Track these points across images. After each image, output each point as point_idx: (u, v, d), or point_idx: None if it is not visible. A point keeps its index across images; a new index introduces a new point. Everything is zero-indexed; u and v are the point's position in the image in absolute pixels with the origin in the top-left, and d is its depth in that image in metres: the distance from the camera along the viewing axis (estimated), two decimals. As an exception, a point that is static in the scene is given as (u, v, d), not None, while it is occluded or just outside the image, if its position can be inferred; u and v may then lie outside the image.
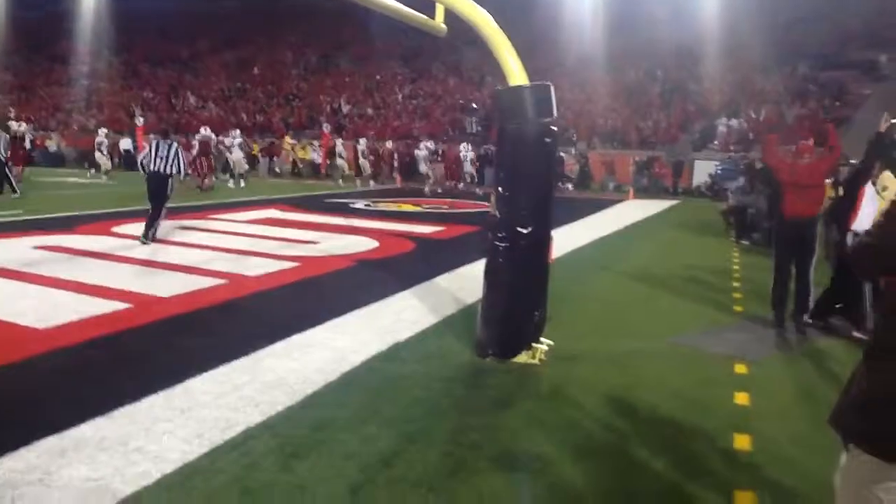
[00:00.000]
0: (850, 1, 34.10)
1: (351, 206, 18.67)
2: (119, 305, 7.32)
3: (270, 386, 5.17)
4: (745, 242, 13.44)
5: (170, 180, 11.42)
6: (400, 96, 39.55)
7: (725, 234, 14.87)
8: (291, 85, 43.13)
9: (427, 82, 40.87)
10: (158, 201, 11.33)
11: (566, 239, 11.89)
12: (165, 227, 11.94)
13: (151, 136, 20.33)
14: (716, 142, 29.00)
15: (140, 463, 3.88)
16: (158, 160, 11.26)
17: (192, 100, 43.06)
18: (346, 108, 39.17)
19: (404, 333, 6.65)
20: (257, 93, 42.72)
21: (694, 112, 31.90)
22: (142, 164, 11.56)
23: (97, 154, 26.06)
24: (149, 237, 11.13)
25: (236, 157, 24.37)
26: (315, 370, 5.55)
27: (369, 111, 38.44)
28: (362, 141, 27.70)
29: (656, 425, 4.72)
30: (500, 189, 5.92)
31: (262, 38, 48.17)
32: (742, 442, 4.46)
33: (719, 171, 24.98)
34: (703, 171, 27.30)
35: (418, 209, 18.47)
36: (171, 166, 11.34)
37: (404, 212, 17.87)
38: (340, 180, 26.98)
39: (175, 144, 11.67)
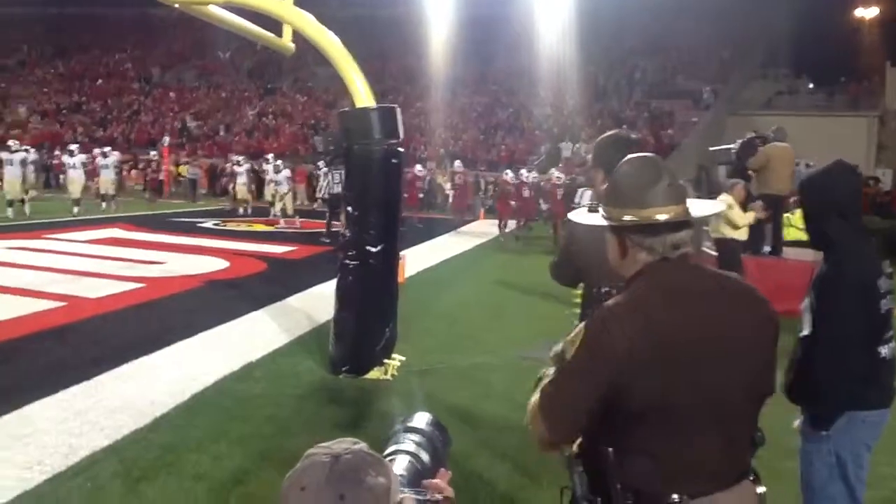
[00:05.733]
0: (677, 35, 36.93)
1: (199, 225, 18.14)
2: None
3: (116, 410, 5.04)
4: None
5: None
6: (249, 114, 38.80)
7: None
8: (132, 99, 41.32)
9: (276, 99, 40.37)
10: None
11: (416, 259, 12.15)
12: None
13: None
14: (560, 164, 30.27)
15: (-28, 494, 3.72)
16: None
17: (22, 112, 40.27)
18: (192, 125, 37.98)
19: (256, 353, 6.63)
20: (95, 106, 40.57)
21: (539, 136, 33.31)
22: None
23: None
24: None
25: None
26: (163, 392, 5.46)
27: (221, 129, 37.39)
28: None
29: (502, 434, 4.96)
30: (349, 208, 6.07)
31: (99, 49, 45.95)
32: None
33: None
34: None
35: (270, 229, 18.20)
36: None
37: (256, 231, 17.58)
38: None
39: None
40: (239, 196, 21.83)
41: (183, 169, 30.35)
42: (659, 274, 1.69)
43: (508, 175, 19.84)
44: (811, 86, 38.49)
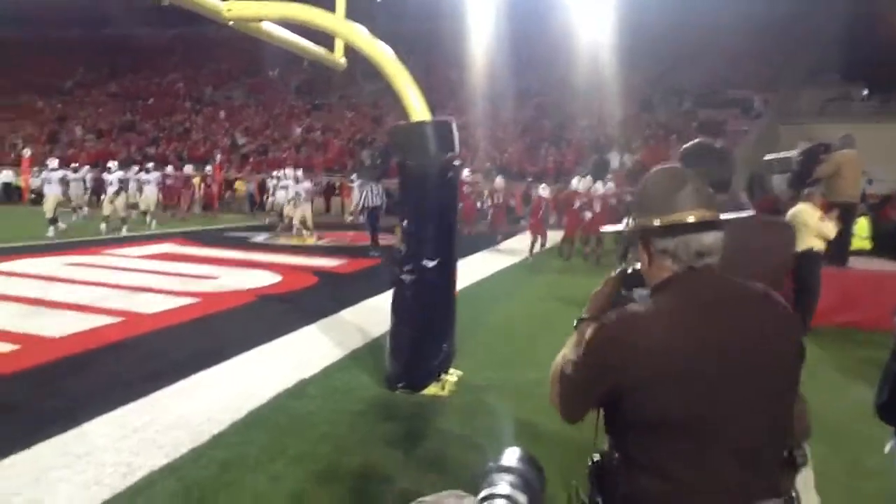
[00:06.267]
0: (724, 42, 36.34)
1: (250, 239, 18.35)
2: (4, 347, 6.94)
3: (173, 427, 5.02)
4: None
5: None
6: (297, 130, 39.26)
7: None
8: (183, 117, 42.16)
9: (324, 115, 40.80)
10: None
11: (469, 270, 12.05)
12: (54, 263, 11.43)
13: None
14: (609, 175, 29.94)
15: (35, 514, 3.70)
16: None
17: (78, 132, 41.41)
18: (241, 141, 38.57)
19: (310, 369, 6.58)
20: (146, 125, 41.50)
21: (586, 147, 33.01)
22: None
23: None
24: None
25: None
26: (220, 409, 5.43)
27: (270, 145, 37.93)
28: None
29: (567, 451, 4.81)
30: (404, 223, 5.99)
31: (149, 69, 47.05)
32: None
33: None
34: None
35: (321, 243, 18.30)
36: None
37: (306, 245, 17.68)
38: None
39: None
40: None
41: (240, 184, 30.78)
42: (682, 284, 1.70)
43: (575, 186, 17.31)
44: (865, 92, 37.48)
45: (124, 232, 18.75)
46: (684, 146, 2.62)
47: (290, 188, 19.76)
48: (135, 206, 21.18)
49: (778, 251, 2.53)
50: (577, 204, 16.33)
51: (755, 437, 1.66)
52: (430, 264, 5.86)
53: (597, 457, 1.84)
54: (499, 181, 20.06)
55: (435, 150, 5.84)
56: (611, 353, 1.66)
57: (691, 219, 1.70)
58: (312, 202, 20.97)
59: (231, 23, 6.26)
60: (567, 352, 1.85)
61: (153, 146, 38.48)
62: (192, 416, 5.26)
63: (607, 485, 1.77)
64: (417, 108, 5.96)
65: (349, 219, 24.20)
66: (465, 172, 19.41)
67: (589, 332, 1.74)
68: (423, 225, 5.91)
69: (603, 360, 1.68)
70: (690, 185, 1.74)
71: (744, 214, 2.07)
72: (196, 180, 28.05)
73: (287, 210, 19.88)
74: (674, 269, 1.73)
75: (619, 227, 1.88)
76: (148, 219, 21.01)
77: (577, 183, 17.28)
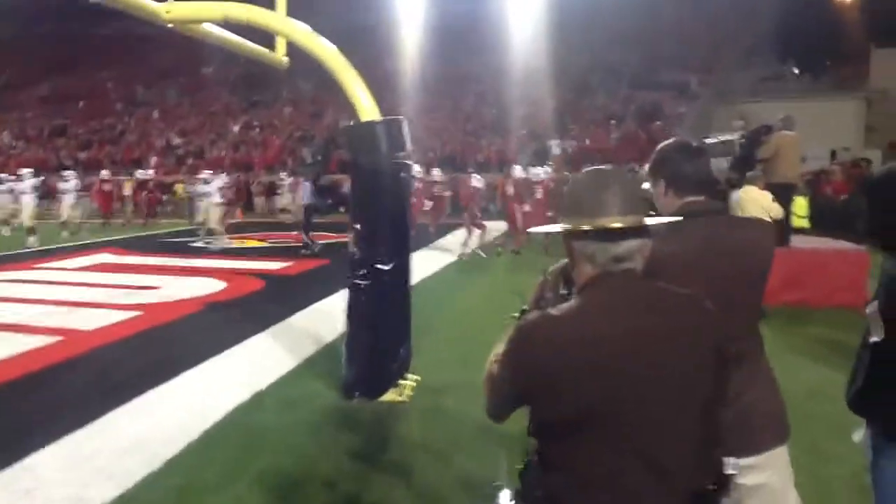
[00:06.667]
0: (660, 24, 36.88)
1: (190, 244, 17.86)
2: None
3: (125, 452, 4.80)
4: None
5: None
6: (235, 128, 38.48)
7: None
8: (116, 119, 40.96)
9: (262, 112, 40.09)
10: None
11: (421, 265, 11.91)
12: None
13: None
14: (549, 163, 29.98)
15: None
16: None
17: (5, 138, 39.91)
18: (177, 141, 37.64)
19: (265, 380, 6.39)
20: (79, 129, 40.19)
21: (526, 135, 33.08)
22: None
23: None
24: None
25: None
26: (173, 429, 5.21)
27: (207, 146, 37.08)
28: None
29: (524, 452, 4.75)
30: (357, 226, 5.83)
31: (82, 69, 45.61)
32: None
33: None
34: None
35: (264, 244, 17.93)
36: None
37: (249, 248, 17.30)
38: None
39: None
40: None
41: (180, 187, 29.93)
42: (600, 287, 1.71)
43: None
44: (796, 71, 38.48)
45: (30, 242, 17.41)
46: (661, 145, 2.53)
47: (201, 189, 19.28)
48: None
49: (752, 252, 2.41)
50: (511, 191, 15.80)
51: (668, 445, 1.66)
52: (386, 267, 5.72)
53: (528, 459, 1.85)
54: (435, 173, 19.71)
55: (386, 149, 5.69)
56: (526, 352, 1.68)
57: (616, 225, 1.69)
58: (230, 202, 20.46)
59: (171, 25, 6.00)
60: (499, 348, 1.83)
61: (85, 151, 37.29)
62: (144, 439, 5.03)
63: (527, 485, 1.80)
64: (367, 107, 5.80)
65: (284, 217, 23.53)
66: (473, 178, 17.46)
67: (509, 330, 1.77)
68: (376, 227, 5.76)
69: (518, 357, 1.70)
70: (615, 189, 1.72)
71: (666, 220, 1.99)
72: (128, 184, 27.21)
73: (202, 213, 19.07)
74: (594, 272, 1.74)
75: (548, 228, 1.87)
76: (65, 232, 19.48)
77: (517, 172, 16.68)
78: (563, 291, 1.94)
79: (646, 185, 2.65)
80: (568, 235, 1.78)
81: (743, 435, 2.30)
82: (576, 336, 1.64)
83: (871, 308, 2.68)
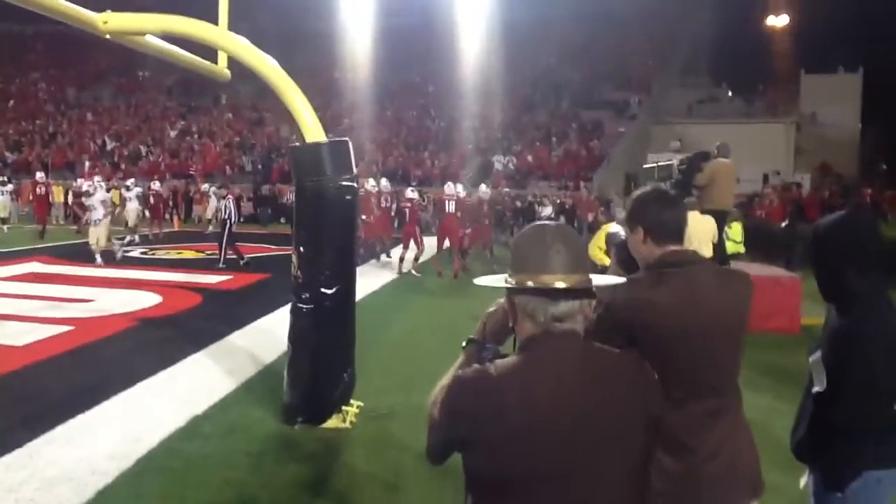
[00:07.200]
0: (600, 44, 37.61)
1: (126, 254, 17.33)
2: None
3: (54, 482, 4.59)
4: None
5: None
6: (172, 133, 37.69)
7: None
8: (47, 120, 39.68)
9: (200, 117, 39.38)
10: None
11: (362, 282, 11.79)
12: None
13: None
14: (487, 180, 29.72)
15: None
16: None
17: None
18: (111, 145, 36.65)
19: (202, 404, 6.21)
20: (9, 129, 38.79)
21: (470, 150, 33.23)
22: None
23: None
24: None
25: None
26: (105, 457, 5.00)
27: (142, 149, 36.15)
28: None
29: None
30: (301, 249, 5.73)
31: (10, 68, 44.09)
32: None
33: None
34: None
35: (201, 255, 17.48)
36: None
37: (186, 259, 16.90)
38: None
39: None
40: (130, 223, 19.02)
41: (115, 194, 28.93)
42: (539, 346, 1.69)
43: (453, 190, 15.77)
44: (730, 93, 39.69)
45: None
46: (637, 192, 2.52)
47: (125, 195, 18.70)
48: None
49: (734, 307, 2.37)
50: (450, 208, 15.05)
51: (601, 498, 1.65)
52: (329, 291, 5.63)
53: None
54: (384, 183, 18.97)
55: (332, 171, 5.61)
56: (462, 405, 1.67)
57: (560, 284, 1.67)
58: (114, 215, 17.67)
59: (108, 36, 5.81)
60: (445, 380, 1.83)
61: (14, 152, 36.01)
62: (74, 467, 4.82)
63: None
64: (311, 127, 5.71)
65: (209, 229, 22.79)
66: (408, 191, 16.70)
67: (450, 378, 1.78)
68: (320, 250, 5.67)
69: (454, 408, 1.69)
70: (558, 247, 1.71)
71: (615, 281, 1.97)
72: (57, 189, 26.25)
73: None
74: (534, 329, 1.72)
75: (492, 282, 1.83)
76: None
77: (449, 189, 15.73)
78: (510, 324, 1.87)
79: (616, 230, 2.65)
80: (510, 290, 1.76)
81: (721, 491, 2.30)
82: (512, 397, 1.62)
83: (815, 357, 2.74)
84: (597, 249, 7.59)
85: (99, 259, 14.93)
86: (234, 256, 14.85)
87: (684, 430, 2.25)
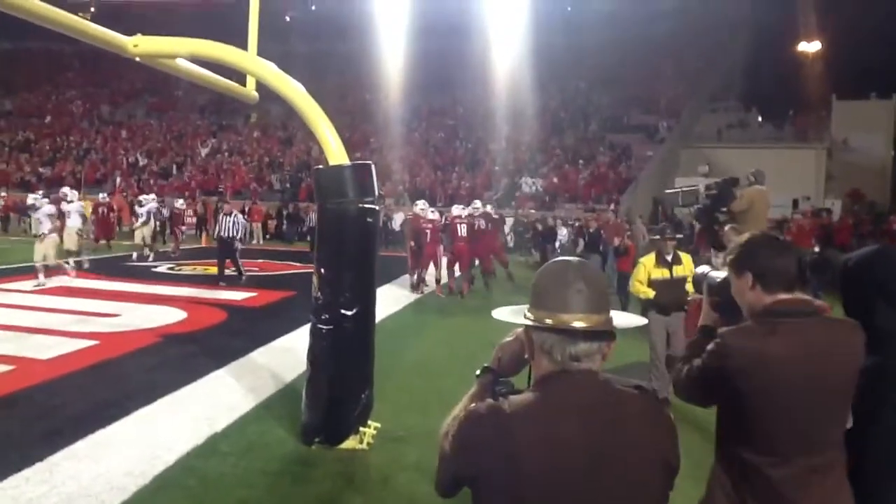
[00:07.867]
0: (631, 69, 37.58)
1: (153, 269, 17.57)
2: None
3: (73, 498, 4.64)
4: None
5: None
6: (203, 151, 38.20)
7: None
8: (82, 137, 40.43)
9: (231, 135, 39.90)
10: None
11: (382, 303, 11.82)
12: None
13: None
14: (513, 202, 29.62)
15: None
16: None
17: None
18: (143, 162, 37.23)
19: (221, 421, 6.25)
20: (45, 145, 39.57)
21: (498, 171, 33.27)
22: None
23: None
24: None
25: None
26: (123, 473, 5.05)
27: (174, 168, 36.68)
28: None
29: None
30: (322, 270, 5.77)
31: (47, 86, 45.07)
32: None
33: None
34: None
35: (227, 272, 17.57)
36: None
37: (212, 275, 17.00)
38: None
39: None
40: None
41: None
42: (556, 385, 1.67)
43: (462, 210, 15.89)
44: (760, 119, 39.40)
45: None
46: (747, 238, 2.43)
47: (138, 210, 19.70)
48: None
49: (847, 360, 2.27)
50: (461, 232, 15.00)
51: None
52: (349, 313, 5.66)
53: None
54: (421, 205, 18.36)
55: (354, 194, 5.66)
56: (472, 441, 1.66)
57: (580, 325, 1.65)
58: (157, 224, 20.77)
59: (138, 59, 5.92)
60: (458, 410, 1.82)
61: (48, 167, 36.71)
62: (93, 483, 4.87)
63: None
64: (335, 150, 5.77)
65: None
66: (429, 211, 15.88)
67: (462, 409, 1.77)
68: (341, 272, 5.71)
69: (464, 443, 1.68)
70: (580, 285, 1.69)
71: (638, 321, 2.01)
72: (86, 204, 26.47)
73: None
74: (551, 367, 1.70)
75: (511, 317, 1.82)
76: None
77: (457, 210, 15.80)
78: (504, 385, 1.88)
79: (704, 269, 2.63)
80: (528, 326, 1.74)
81: None
82: (525, 437, 1.60)
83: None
84: (638, 284, 7.43)
85: (41, 277, 13.99)
86: (234, 272, 15.36)
87: (789, 486, 2.19)
